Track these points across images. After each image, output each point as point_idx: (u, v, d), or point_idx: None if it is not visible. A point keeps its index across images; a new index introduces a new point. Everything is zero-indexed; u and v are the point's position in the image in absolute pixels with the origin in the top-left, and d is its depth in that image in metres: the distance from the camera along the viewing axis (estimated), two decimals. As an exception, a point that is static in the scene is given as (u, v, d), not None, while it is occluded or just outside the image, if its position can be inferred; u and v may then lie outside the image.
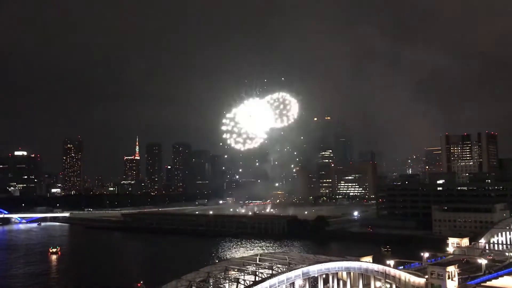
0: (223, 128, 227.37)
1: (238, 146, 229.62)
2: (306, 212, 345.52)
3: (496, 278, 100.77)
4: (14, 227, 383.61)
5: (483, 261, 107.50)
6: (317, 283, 79.95)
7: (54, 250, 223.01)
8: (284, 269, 75.92)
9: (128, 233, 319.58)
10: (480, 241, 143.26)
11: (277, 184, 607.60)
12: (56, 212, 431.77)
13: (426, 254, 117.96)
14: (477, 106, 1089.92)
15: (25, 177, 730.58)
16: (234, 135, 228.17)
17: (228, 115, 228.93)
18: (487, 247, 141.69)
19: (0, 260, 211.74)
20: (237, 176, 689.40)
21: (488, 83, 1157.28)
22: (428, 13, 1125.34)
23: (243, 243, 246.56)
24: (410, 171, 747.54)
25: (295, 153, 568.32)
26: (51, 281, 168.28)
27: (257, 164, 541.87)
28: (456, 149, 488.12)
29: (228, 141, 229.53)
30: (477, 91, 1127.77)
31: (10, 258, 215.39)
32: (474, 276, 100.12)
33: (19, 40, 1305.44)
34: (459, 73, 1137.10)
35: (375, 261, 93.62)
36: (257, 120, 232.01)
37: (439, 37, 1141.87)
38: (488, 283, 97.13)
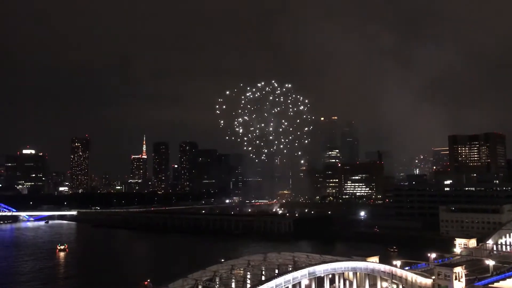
0: (234, 125, 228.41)
1: (246, 145, 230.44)
2: (312, 212, 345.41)
3: (504, 279, 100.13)
4: (22, 224, 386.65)
5: (490, 262, 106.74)
6: (323, 283, 79.85)
7: (62, 247, 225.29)
8: (290, 269, 75.92)
9: (135, 231, 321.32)
10: (487, 242, 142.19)
11: (283, 184, 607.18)
12: (64, 210, 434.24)
13: (433, 255, 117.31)
14: (486, 106, 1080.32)
15: (33, 175, 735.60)
16: (242, 134, 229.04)
17: (235, 113, 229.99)
18: (494, 248, 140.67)
19: (9, 256, 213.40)
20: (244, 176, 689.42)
21: (498, 84, 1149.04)
22: (439, 12, 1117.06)
23: (249, 242, 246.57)
24: (417, 171, 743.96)
25: (301, 152, 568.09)
26: (59, 277, 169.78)
27: (264, 163, 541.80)
28: (463, 150, 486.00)
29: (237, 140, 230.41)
30: (486, 91, 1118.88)
31: (19, 255, 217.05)
32: (482, 277, 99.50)
33: (27, 40, 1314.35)
34: (469, 73, 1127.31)
35: (381, 261, 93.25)
36: (263, 119, 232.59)
37: (450, 36, 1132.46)
38: (496, 285, 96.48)
